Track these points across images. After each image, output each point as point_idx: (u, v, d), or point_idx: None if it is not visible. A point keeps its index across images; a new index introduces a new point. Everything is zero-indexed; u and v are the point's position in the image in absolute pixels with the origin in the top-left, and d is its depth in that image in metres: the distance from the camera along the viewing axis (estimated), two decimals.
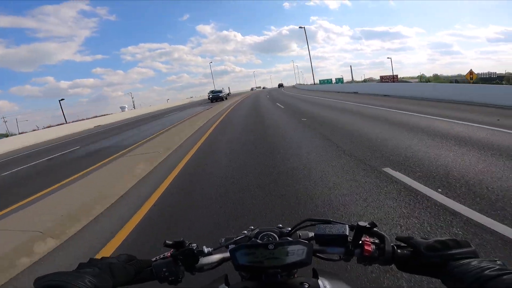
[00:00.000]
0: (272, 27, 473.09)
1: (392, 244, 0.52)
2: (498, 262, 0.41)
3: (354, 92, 17.85)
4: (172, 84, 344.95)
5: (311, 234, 0.60)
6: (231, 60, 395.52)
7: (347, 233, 0.55)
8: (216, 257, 0.60)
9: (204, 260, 0.58)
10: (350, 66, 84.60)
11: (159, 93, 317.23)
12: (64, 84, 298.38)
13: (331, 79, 46.21)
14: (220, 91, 31.80)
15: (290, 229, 0.60)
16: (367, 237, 0.55)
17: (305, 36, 36.11)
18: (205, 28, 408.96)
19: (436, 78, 58.00)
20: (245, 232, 0.62)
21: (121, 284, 0.49)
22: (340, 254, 0.55)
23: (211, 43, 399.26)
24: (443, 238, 0.49)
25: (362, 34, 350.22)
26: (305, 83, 72.14)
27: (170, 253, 0.56)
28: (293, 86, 67.51)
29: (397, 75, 44.34)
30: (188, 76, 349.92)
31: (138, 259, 0.55)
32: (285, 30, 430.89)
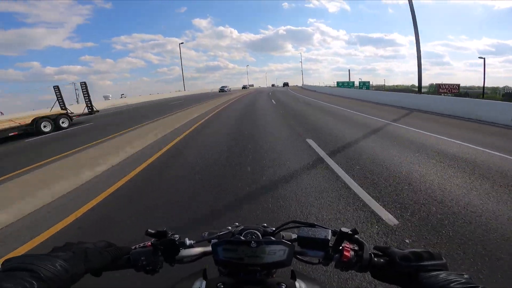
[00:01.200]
0: (269, 26, 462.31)
1: (369, 252, 0.54)
2: (465, 276, 0.43)
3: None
4: (162, 76, 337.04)
5: (294, 235, 0.60)
6: (225, 56, 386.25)
7: (329, 238, 0.55)
8: (197, 250, 0.60)
9: (185, 252, 0.58)
10: (349, 70, 76.37)
11: (147, 84, 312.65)
12: (50, 69, 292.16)
13: (353, 82, 35.52)
14: None
15: (274, 229, 0.60)
16: (348, 243, 0.56)
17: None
18: (202, 22, 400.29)
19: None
20: (229, 228, 0.62)
21: (95, 270, 0.49)
22: (320, 257, 0.56)
23: (205, 38, 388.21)
24: (418, 250, 0.51)
25: (357, 40, 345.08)
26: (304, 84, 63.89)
27: (151, 242, 0.56)
28: (301, 87, 51.68)
29: (458, 85, 29.99)
30: (179, 69, 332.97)
31: (117, 246, 0.54)
32: (282, 30, 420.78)
